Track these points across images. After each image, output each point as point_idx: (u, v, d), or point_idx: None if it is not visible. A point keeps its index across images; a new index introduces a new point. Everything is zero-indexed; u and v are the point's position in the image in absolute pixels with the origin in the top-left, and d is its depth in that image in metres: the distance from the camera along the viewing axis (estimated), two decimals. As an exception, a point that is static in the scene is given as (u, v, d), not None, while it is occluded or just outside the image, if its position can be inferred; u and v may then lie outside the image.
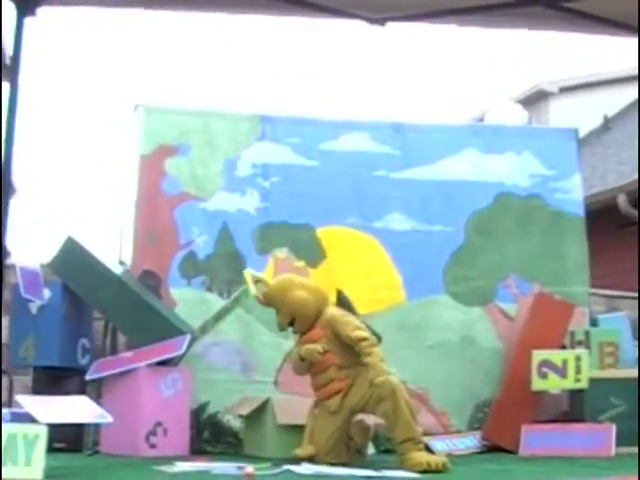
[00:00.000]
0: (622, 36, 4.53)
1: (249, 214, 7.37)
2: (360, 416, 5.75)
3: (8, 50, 11.95)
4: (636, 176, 12.58)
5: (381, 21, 4.56)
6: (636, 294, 9.38)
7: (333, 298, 5.91)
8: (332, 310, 5.75)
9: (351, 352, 5.55)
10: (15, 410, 5.33)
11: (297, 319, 5.74)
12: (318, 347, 5.58)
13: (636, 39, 4.35)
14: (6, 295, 6.76)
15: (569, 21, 4.58)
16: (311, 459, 5.39)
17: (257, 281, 5.96)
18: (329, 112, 8.07)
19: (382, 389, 5.33)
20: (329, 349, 5.61)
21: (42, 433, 4.46)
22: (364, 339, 5.50)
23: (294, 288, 5.81)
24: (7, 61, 12.19)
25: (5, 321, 7.14)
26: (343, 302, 5.90)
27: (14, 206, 4.02)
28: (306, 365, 5.71)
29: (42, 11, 3.93)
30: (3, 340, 7.12)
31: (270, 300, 5.86)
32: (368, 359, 5.45)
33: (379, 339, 5.76)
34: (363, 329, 5.60)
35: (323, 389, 5.64)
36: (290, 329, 5.87)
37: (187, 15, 4.82)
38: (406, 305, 7.32)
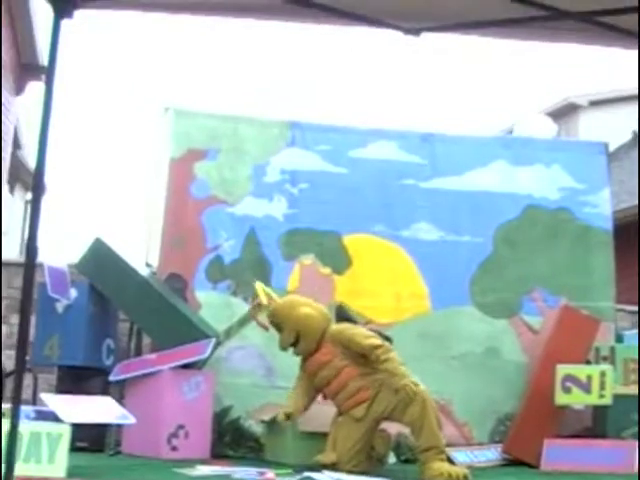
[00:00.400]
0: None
1: (276, 220, 7.39)
2: (383, 425, 5.75)
3: (44, 51, 12.04)
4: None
5: (415, 31, 4.54)
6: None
7: (358, 306, 5.93)
8: (335, 326, 5.80)
9: (368, 360, 5.57)
10: (39, 408, 5.37)
11: (302, 336, 5.75)
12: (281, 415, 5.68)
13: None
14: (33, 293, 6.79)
15: (602, 35, 4.55)
16: (333, 466, 5.39)
17: (267, 295, 6.04)
18: (358, 120, 8.05)
19: (412, 396, 5.34)
20: (347, 363, 5.62)
21: (66, 432, 4.50)
22: (378, 346, 5.53)
23: (299, 305, 5.87)
24: (43, 62, 12.32)
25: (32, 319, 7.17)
26: (342, 315, 5.92)
27: (44, 205, 4.03)
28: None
29: (79, 14, 3.97)
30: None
31: (275, 317, 5.91)
32: (386, 365, 5.48)
33: (390, 342, 5.80)
34: (373, 336, 5.62)
35: (349, 401, 5.63)
36: (291, 350, 5.90)
37: (220, 20, 4.83)
38: (431, 315, 7.30)
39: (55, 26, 3.94)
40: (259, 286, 6.12)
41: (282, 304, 5.95)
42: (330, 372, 5.68)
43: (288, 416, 5.67)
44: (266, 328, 6.22)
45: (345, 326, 5.78)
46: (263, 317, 6.20)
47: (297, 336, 5.76)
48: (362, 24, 4.68)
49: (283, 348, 5.92)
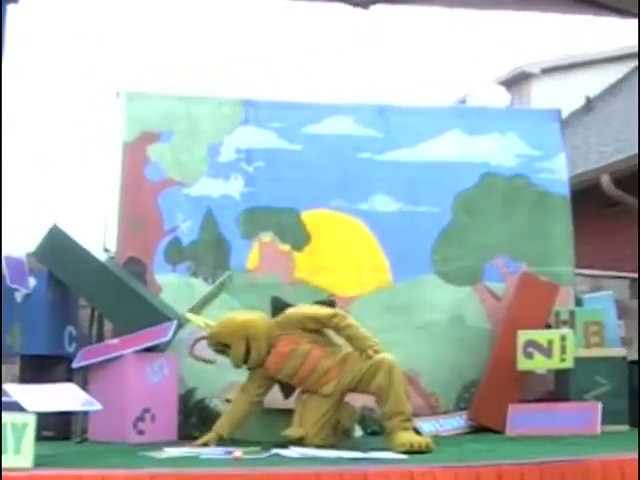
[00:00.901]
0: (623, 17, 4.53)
1: (233, 199, 7.36)
2: (347, 398, 5.77)
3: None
4: (619, 157, 12.63)
5: (365, 4, 4.53)
6: (620, 274, 9.44)
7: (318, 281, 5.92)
8: (280, 315, 5.81)
9: (329, 334, 5.61)
10: (3, 399, 5.32)
11: (251, 341, 5.73)
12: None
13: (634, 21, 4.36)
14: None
15: (562, 3, 4.57)
16: (300, 440, 5.41)
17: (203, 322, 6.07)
18: (312, 96, 8.04)
19: (379, 364, 5.38)
20: (311, 347, 5.63)
21: (31, 421, 4.46)
22: (334, 315, 5.58)
23: (234, 317, 5.90)
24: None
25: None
26: (279, 305, 5.93)
27: (-1, 196, 3.98)
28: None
29: (24, -2, 3.92)
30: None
31: (218, 337, 5.87)
32: (348, 331, 5.53)
33: (333, 304, 5.90)
34: (323, 307, 5.68)
35: (319, 381, 5.64)
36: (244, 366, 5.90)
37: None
38: (394, 286, 7.32)
39: (1, 12, 3.88)
40: (191, 316, 6.14)
41: (219, 324, 5.91)
42: (296, 360, 5.66)
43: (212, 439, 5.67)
44: (211, 362, 6.17)
45: (290, 310, 5.80)
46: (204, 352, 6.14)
47: (246, 345, 5.74)
48: (311, -2, 4.66)
49: (237, 365, 5.88)
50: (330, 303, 5.92)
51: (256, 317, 5.85)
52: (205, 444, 5.58)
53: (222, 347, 5.87)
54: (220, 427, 5.76)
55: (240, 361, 5.83)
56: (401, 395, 5.41)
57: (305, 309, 5.75)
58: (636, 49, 13.35)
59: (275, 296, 6.03)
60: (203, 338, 6.06)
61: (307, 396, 5.70)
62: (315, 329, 5.70)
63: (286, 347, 5.69)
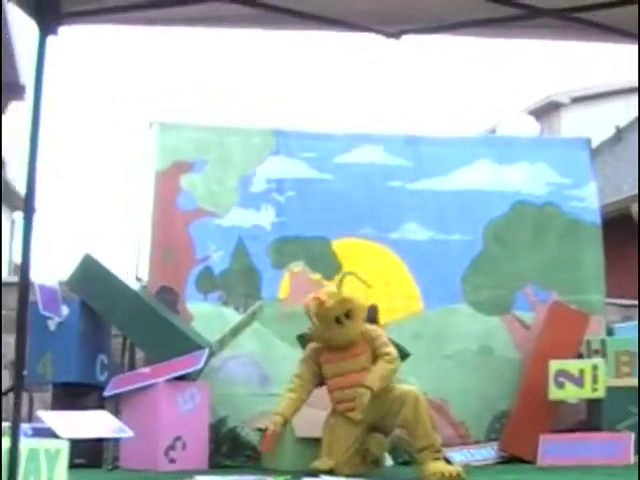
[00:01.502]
0: (629, 44, 4.55)
1: (264, 229, 7.41)
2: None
3: (24, 69, 11.98)
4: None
5: (397, 34, 4.56)
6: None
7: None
8: (375, 329, 5.79)
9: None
10: (36, 425, 5.36)
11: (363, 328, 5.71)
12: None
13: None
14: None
15: (581, 31, 4.59)
16: (331, 472, 5.40)
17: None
18: (342, 126, 8.09)
19: (405, 397, 5.37)
20: (368, 367, 5.61)
21: (64, 448, 4.48)
22: (393, 359, 5.58)
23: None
24: (20, 80, 12.27)
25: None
26: (372, 317, 5.91)
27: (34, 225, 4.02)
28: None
29: (64, 30, 3.96)
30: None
31: (354, 305, 5.72)
32: (375, 367, 5.50)
33: (407, 356, 5.92)
34: (389, 345, 5.66)
35: (350, 403, 5.59)
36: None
37: (203, 32, 4.84)
38: (424, 315, 7.33)
39: (41, 43, 3.92)
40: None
41: (356, 295, 5.86)
42: (351, 366, 5.64)
43: (276, 423, 5.63)
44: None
45: (376, 328, 5.80)
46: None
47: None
48: (343, 29, 4.69)
49: (346, 342, 5.70)
50: (373, 310, 5.95)
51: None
52: (273, 428, 5.56)
53: (345, 314, 5.68)
54: (284, 410, 5.68)
55: (348, 338, 5.67)
56: (429, 427, 5.41)
57: (384, 338, 5.72)
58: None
59: (374, 305, 6.00)
60: (315, 299, 6.00)
61: (335, 421, 5.68)
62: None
63: (354, 350, 5.67)
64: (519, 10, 4.46)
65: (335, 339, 5.71)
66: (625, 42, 4.68)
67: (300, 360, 5.88)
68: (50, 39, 3.93)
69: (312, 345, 5.85)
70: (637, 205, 12.56)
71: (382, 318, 6.24)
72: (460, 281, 7.49)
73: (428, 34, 4.76)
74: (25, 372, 5.69)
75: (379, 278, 7.40)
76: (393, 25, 4.57)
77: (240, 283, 7.25)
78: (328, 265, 7.37)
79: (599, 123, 16.97)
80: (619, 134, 17.41)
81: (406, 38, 4.61)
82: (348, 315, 5.66)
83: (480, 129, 17.28)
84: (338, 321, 5.66)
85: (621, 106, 17.88)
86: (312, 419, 6.06)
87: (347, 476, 5.32)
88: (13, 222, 16.99)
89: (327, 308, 5.62)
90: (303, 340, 5.96)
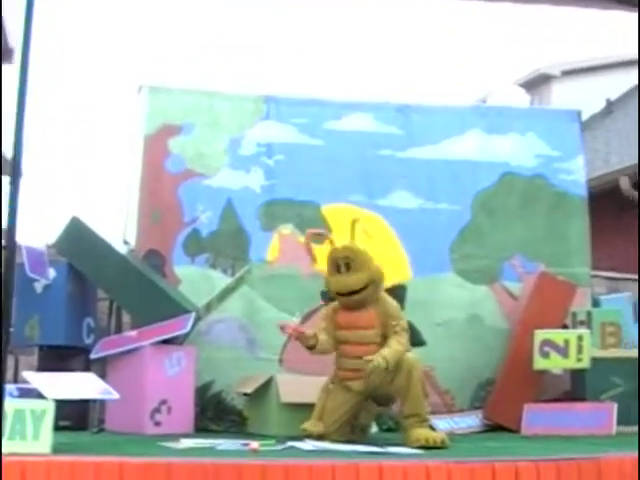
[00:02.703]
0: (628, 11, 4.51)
1: (254, 191, 7.40)
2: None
3: (10, 31, 11.87)
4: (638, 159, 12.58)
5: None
6: (638, 276, 9.41)
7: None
8: (392, 301, 5.76)
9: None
10: (22, 386, 5.36)
11: (371, 288, 5.66)
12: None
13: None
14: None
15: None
16: (319, 437, 5.41)
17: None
18: (333, 92, 8.06)
19: (399, 364, 5.38)
20: (377, 342, 5.58)
21: (49, 408, 4.50)
22: (403, 333, 5.57)
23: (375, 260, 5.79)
24: (9, 44, 12.15)
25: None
26: (399, 294, 5.92)
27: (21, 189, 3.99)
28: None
29: (51, -10, 3.91)
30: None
31: (355, 254, 5.70)
32: (393, 342, 5.47)
33: (423, 344, 5.97)
34: (406, 329, 5.66)
35: (353, 372, 5.60)
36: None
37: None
38: (413, 282, 7.34)
39: (28, 4, 3.89)
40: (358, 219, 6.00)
41: (362, 249, 5.78)
42: (359, 337, 5.62)
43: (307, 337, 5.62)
44: (315, 259, 6.06)
45: (397, 307, 5.76)
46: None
47: (366, 285, 5.65)
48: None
49: (347, 292, 5.68)
50: (402, 289, 5.99)
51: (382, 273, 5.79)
52: (312, 343, 5.57)
53: (345, 263, 5.69)
54: (319, 338, 5.65)
55: (349, 289, 5.66)
56: (419, 396, 5.42)
57: (402, 319, 5.69)
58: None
59: (403, 285, 6.05)
60: (321, 235, 6.01)
61: (333, 387, 5.68)
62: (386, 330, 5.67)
63: (365, 321, 5.65)
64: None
65: (332, 286, 5.74)
66: (624, 10, 4.65)
67: (321, 318, 5.87)
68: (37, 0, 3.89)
69: (332, 305, 5.85)
70: (626, 179, 12.56)
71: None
72: (448, 250, 7.51)
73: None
74: (12, 329, 5.71)
75: (368, 245, 7.38)
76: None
77: (228, 245, 7.23)
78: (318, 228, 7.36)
79: (590, 96, 16.95)
80: (609, 107, 17.40)
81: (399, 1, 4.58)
82: (348, 265, 5.65)
83: (471, 99, 17.24)
84: (338, 268, 5.67)
85: (612, 79, 17.87)
86: (298, 384, 6.10)
87: (334, 442, 5.34)
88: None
89: (331, 252, 5.73)
90: (326, 296, 5.98)
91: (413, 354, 5.55)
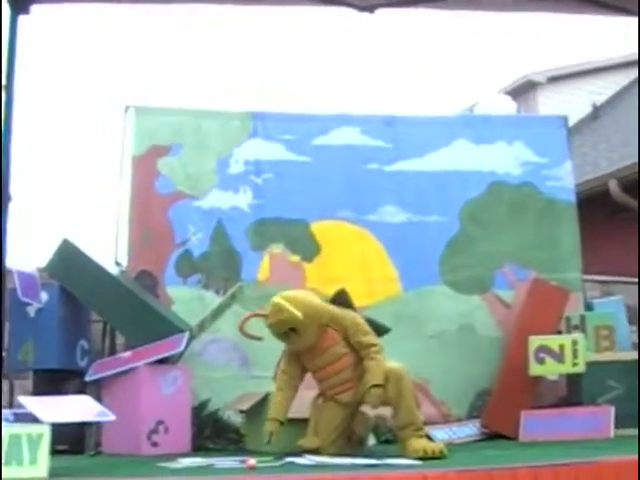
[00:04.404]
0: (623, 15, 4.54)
1: (243, 211, 7.41)
2: (363, 408, 5.77)
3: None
4: (626, 163, 12.63)
5: (370, 8, 4.55)
6: (630, 279, 9.44)
7: (329, 292, 5.89)
8: (340, 311, 5.71)
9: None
10: (17, 411, 5.35)
11: (319, 329, 5.59)
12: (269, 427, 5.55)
13: (634, 20, 4.38)
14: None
15: (563, 3, 4.58)
16: (316, 451, 5.41)
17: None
18: (320, 107, 8.08)
19: (388, 374, 5.38)
20: (347, 352, 5.61)
21: (46, 432, 4.49)
22: (372, 345, 5.55)
23: (312, 300, 5.66)
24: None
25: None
26: (343, 301, 5.85)
27: (10, 212, 3.99)
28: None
29: (36, 9, 3.90)
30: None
31: (294, 322, 5.54)
32: (371, 363, 5.49)
33: (387, 331, 5.88)
34: (371, 333, 5.64)
35: (337, 388, 5.62)
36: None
37: (175, 9, 4.83)
38: (403, 296, 7.36)
39: (12, 22, 3.89)
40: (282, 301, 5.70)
41: (299, 306, 5.57)
42: (329, 358, 5.62)
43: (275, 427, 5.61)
44: (260, 339, 6.00)
45: (350, 314, 5.73)
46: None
47: (320, 331, 5.60)
48: (316, 3, 4.68)
49: (295, 348, 5.67)
50: (343, 294, 5.87)
51: (324, 304, 5.69)
52: (271, 433, 5.54)
53: (290, 331, 5.59)
54: (277, 413, 5.64)
55: (306, 346, 5.63)
56: (411, 405, 5.41)
57: (360, 325, 5.65)
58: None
59: (342, 289, 5.85)
60: (255, 315, 5.97)
61: (322, 402, 5.69)
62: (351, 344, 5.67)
63: (326, 342, 5.64)
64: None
65: (292, 349, 5.73)
66: (602, 13, 4.68)
67: (283, 354, 5.86)
68: (22, 18, 3.89)
69: (287, 351, 5.84)
70: (615, 182, 12.60)
71: (361, 300, 6.25)
72: (438, 262, 7.52)
73: (401, 7, 4.75)
74: (5, 354, 5.69)
75: (358, 261, 7.43)
76: (367, -1, 4.55)
77: (220, 266, 7.25)
78: (307, 247, 7.39)
79: (576, 102, 17.04)
80: (596, 112, 17.47)
81: (380, 12, 4.60)
82: (294, 330, 5.60)
83: (458, 108, 17.29)
84: (287, 335, 5.65)
85: (598, 84, 17.96)
86: (296, 399, 6.06)
87: (331, 456, 5.34)
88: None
89: (270, 325, 5.65)
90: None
91: (398, 363, 5.53)
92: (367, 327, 5.68)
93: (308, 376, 5.86)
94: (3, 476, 3.96)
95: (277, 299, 5.65)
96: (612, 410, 6.26)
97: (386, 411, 5.74)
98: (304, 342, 5.64)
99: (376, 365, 5.47)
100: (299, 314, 5.52)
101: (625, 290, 9.04)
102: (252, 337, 6.01)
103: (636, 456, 4.43)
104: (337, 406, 5.64)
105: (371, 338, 5.61)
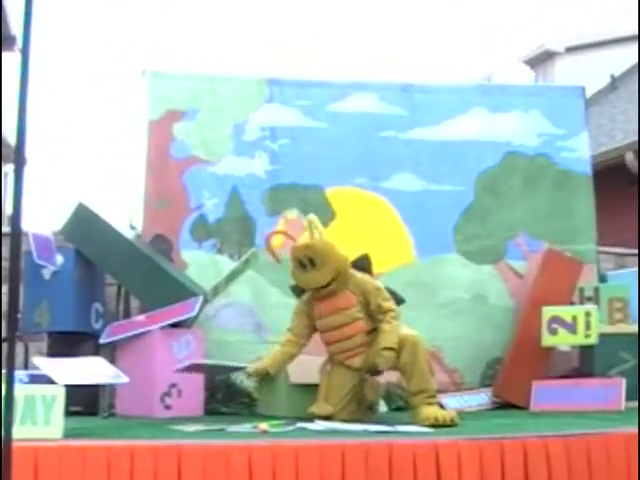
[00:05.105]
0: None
1: (258, 177, 7.41)
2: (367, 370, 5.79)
3: (12, 19, 11.86)
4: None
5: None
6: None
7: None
8: (361, 275, 5.75)
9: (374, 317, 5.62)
10: (32, 372, 5.40)
11: (339, 279, 5.65)
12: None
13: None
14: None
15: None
16: (328, 417, 5.44)
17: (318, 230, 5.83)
18: (337, 73, 8.05)
19: (404, 341, 5.40)
20: (362, 317, 5.64)
21: (60, 394, 4.53)
22: (391, 310, 5.58)
23: (337, 248, 5.75)
24: (11, 31, 12.14)
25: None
26: (363, 265, 5.87)
27: (25, 175, 3.99)
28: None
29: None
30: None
31: (315, 253, 5.66)
32: (387, 327, 5.50)
33: (402, 302, 5.86)
34: (390, 299, 5.66)
35: (348, 353, 5.67)
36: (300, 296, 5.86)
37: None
38: (417, 264, 7.35)
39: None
40: (314, 218, 5.83)
41: (323, 242, 5.73)
42: (343, 319, 5.65)
43: (258, 373, 5.72)
44: (277, 260, 6.10)
45: (371, 279, 5.77)
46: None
47: (333, 278, 5.64)
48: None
49: (315, 286, 5.70)
50: (365, 259, 5.90)
51: (348, 261, 5.75)
52: (251, 375, 5.71)
53: (308, 260, 5.66)
54: (269, 364, 5.75)
55: (316, 285, 5.67)
56: (425, 372, 5.44)
57: (381, 290, 5.69)
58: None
59: (366, 254, 5.90)
60: (283, 234, 5.99)
61: (331, 368, 5.72)
62: (370, 308, 5.70)
63: (344, 303, 5.68)
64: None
65: (301, 284, 5.77)
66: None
67: (293, 313, 5.90)
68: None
69: (304, 297, 5.87)
70: (631, 153, 12.54)
71: (376, 267, 6.26)
72: (452, 231, 7.52)
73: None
74: (19, 315, 5.72)
75: (373, 227, 7.42)
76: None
77: (234, 231, 7.26)
78: (323, 213, 7.33)
79: (594, 72, 16.90)
80: (614, 83, 17.33)
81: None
82: (312, 262, 5.64)
83: (476, 77, 17.19)
84: (303, 266, 5.68)
85: (616, 55, 17.79)
86: (307, 365, 6.10)
87: (343, 421, 5.37)
88: (6, 174, 16.92)
89: (292, 251, 5.74)
90: (297, 290, 5.97)
91: (414, 331, 5.55)
92: (387, 294, 5.70)
93: (319, 343, 5.88)
94: (18, 436, 3.99)
95: (312, 216, 5.78)
96: (623, 382, 6.26)
97: (397, 379, 5.78)
98: (316, 279, 5.65)
99: (391, 329, 5.49)
100: (324, 243, 5.63)
101: (639, 262, 8.99)
102: (274, 255, 6.14)
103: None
104: (348, 371, 5.67)
105: (390, 304, 5.63)
